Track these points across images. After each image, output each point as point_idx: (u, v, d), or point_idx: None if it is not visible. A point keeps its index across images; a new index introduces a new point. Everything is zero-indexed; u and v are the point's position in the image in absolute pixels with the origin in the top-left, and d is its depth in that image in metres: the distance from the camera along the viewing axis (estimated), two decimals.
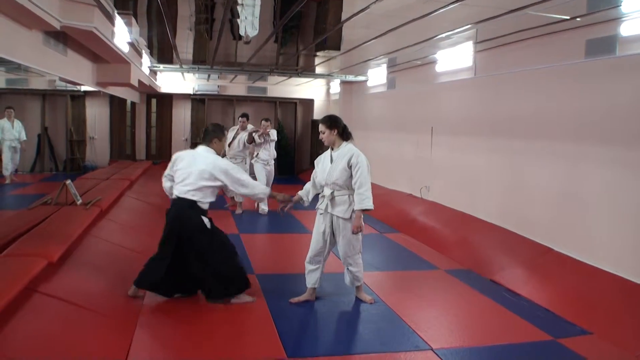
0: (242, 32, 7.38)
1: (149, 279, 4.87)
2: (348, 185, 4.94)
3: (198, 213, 4.85)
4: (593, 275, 5.57)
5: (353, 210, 4.91)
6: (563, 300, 5.29)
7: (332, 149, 5.10)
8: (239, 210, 9.90)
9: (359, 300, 5.29)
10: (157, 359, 3.90)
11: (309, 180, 5.33)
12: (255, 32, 7.27)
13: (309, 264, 5.19)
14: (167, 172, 5.15)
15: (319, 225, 5.15)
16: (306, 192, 5.33)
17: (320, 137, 5.13)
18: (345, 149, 4.99)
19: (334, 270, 5.75)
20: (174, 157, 5.12)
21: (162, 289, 4.96)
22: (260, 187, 5.31)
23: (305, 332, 4.63)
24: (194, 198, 4.82)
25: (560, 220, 6.36)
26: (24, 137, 13.28)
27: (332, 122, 5.05)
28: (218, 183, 4.90)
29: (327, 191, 5.05)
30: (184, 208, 4.84)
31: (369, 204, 4.82)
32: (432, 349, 4.21)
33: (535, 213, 6.81)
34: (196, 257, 4.86)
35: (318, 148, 15.29)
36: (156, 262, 4.89)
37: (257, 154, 9.92)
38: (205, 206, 4.93)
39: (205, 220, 4.89)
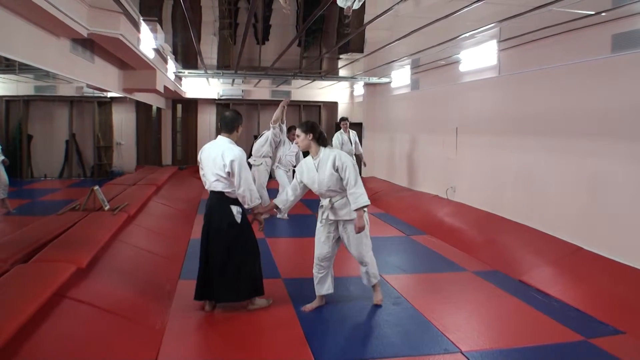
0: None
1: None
2: (342, 188, 4.88)
3: (227, 203, 4.78)
4: (624, 273, 5.48)
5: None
6: (594, 299, 5.19)
7: (313, 157, 5.02)
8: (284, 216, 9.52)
9: (386, 304, 5.24)
10: None
11: None
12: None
13: (317, 272, 5.09)
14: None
15: (322, 234, 5.05)
16: (283, 200, 5.16)
17: (295, 142, 5.11)
18: (326, 154, 4.91)
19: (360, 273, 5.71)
20: (199, 152, 5.02)
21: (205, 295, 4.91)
22: (255, 194, 4.81)
23: (333, 336, 4.56)
24: (220, 188, 4.76)
25: (589, 218, 6.26)
26: None
27: (309, 127, 4.99)
28: (228, 171, 4.67)
29: (325, 202, 5.00)
30: (214, 199, 4.85)
31: (364, 201, 4.75)
32: (461, 352, 4.17)
33: (563, 211, 6.71)
34: (221, 250, 4.78)
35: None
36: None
37: (280, 159, 9.82)
38: (235, 195, 4.78)
39: (235, 210, 4.78)
